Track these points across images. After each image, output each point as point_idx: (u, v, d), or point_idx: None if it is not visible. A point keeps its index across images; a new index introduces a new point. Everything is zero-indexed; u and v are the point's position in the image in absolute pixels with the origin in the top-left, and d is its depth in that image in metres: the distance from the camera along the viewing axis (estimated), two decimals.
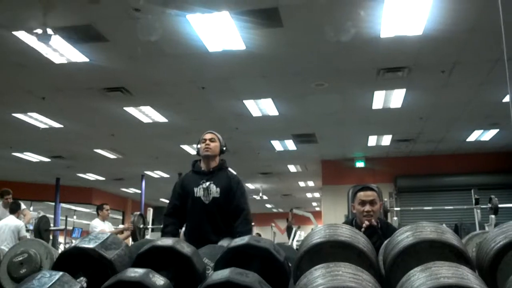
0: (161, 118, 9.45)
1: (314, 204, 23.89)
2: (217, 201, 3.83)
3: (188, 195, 3.88)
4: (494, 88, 7.59)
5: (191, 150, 11.79)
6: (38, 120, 9.44)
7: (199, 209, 3.82)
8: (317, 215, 16.30)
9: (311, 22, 5.63)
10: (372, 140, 11.76)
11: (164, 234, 3.83)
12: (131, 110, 8.90)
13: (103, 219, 8.09)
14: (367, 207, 3.16)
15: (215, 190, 3.84)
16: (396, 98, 8.38)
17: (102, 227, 7.73)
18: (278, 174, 16.48)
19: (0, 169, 14.13)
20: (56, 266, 1.92)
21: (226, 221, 3.86)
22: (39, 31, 5.16)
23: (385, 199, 8.81)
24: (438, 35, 5.84)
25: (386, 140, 11.69)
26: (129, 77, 7.37)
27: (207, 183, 3.85)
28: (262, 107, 8.88)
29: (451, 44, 6.17)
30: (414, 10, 5.31)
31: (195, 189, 3.85)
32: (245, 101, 8.54)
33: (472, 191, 8.89)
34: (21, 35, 5.79)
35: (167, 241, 1.97)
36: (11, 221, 7.44)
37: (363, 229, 2.99)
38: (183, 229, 4.07)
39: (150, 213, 8.80)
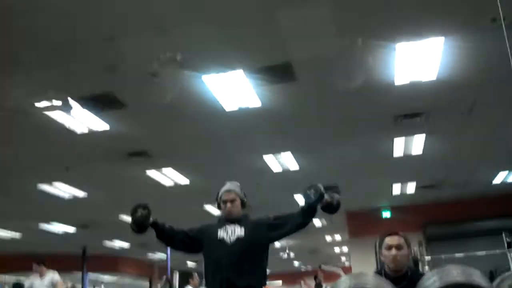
0: (182, 180, 9.51)
1: (343, 259, 23.39)
2: (242, 240, 3.57)
3: (209, 238, 3.67)
4: None
5: (214, 210, 11.73)
6: (62, 190, 9.58)
7: (222, 250, 3.56)
8: (347, 270, 15.90)
9: (324, 75, 5.69)
10: (396, 189, 11.61)
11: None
12: (153, 173, 8.99)
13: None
14: (393, 251, 3.09)
15: (239, 230, 3.63)
16: (416, 144, 8.33)
17: None
18: (303, 229, 16.20)
19: (27, 241, 14.22)
20: None
21: (252, 262, 3.57)
22: (60, 102, 5.31)
23: (415, 248, 8.58)
24: (452, 78, 5.85)
25: (411, 187, 11.52)
26: (150, 141, 7.49)
27: (232, 225, 3.68)
28: (282, 161, 8.89)
29: (467, 86, 6.16)
30: (426, 57, 5.36)
31: (218, 231, 3.66)
32: (265, 157, 8.57)
33: (503, 234, 8.64)
34: (43, 107, 5.96)
35: None
36: None
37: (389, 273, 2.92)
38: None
39: (176, 276, 8.73)
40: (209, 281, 3.64)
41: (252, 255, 3.59)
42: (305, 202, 3.64)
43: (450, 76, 5.76)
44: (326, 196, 3.58)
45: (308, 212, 3.67)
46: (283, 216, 3.79)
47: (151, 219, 3.77)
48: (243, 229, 3.64)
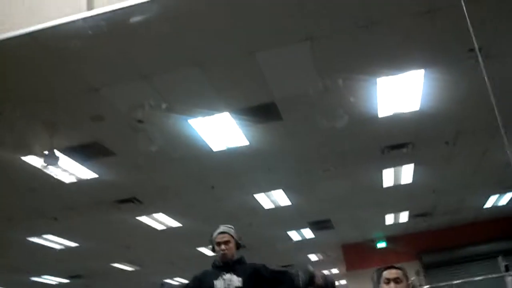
0: (174, 223, 9.44)
1: None
2: None
3: None
4: (500, 152, 7.57)
5: (207, 251, 11.63)
6: (53, 241, 9.45)
7: None
8: None
9: (308, 112, 5.76)
10: (389, 219, 11.60)
11: None
12: (143, 219, 8.93)
13: None
14: (392, 285, 3.08)
15: (236, 280, 3.58)
16: (405, 173, 8.37)
17: None
18: (299, 265, 16.06)
19: None
20: None
21: None
22: (46, 153, 5.31)
23: (412, 278, 8.53)
24: (434, 109, 5.94)
25: (404, 217, 11.53)
26: (139, 187, 7.46)
27: (227, 275, 3.61)
28: (273, 199, 8.88)
29: (449, 116, 6.26)
30: (407, 89, 5.46)
31: (215, 282, 3.60)
32: (255, 195, 8.56)
33: (499, 258, 8.63)
34: (30, 159, 5.96)
35: None
36: None
37: None
38: None
39: None
40: None
41: None
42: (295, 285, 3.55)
43: (432, 107, 5.86)
44: (316, 279, 3.50)
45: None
46: (281, 272, 3.73)
47: None
48: (240, 280, 3.59)
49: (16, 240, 9.13)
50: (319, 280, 3.52)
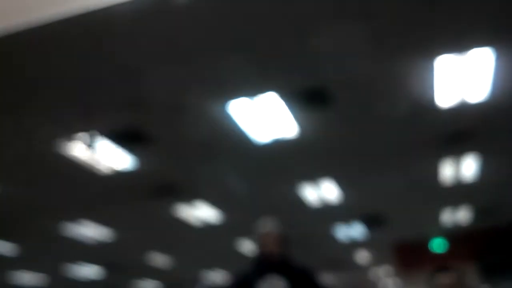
0: (213, 217, 9.50)
1: None
2: None
3: None
4: None
5: (246, 250, 11.71)
6: (87, 230, 9.68)
7: None
8: None
9: (363, 98, 5.63)
10: (447, 217, 11.37)
11: None
12: (181, 210, 9.01)
13: None
14: (449, 281, 3.01)
15: (282, 283, 3.57)
16: (466, 168, 8.15)
17: None
18: (348, 266, 16.01)
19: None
20: None
21: None
22: (84, 139, 5.41)
23: (470, 281, 8.37)
24: (503, 100, 5.72)
25: (463, 215, 11.27)
26: (178, 177, 7.52)
27: (273, 277, 3.58)
28: (321, 192, 8.80)
29: None
30: (472, 77, 5.25)
31: (259, 285, 3.59)
32: (302, 189, 8.50)
33: None
34: (67, 146, 6.06)
35: None
36: None
37: None
38: None
39: None
40: None
41: None
42: None
43: (500, 97, 5.62)
44: None
45: None
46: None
47: None
48: (286, 283, 3.56)
49: (51, 229, 9.38)
50: None
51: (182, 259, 12.92)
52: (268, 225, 3.84)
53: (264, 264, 3.68)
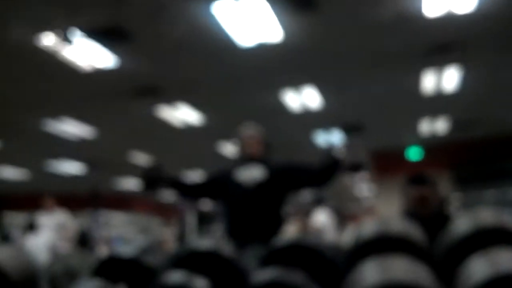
0: (195, 118, 9.57)
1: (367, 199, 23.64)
2: (263, 187, 3.54)
3: (226, 181, 3.64)
4: None
5: (228, 152, 11.91)
6: (69, 127, 9.75)
7: (241, 196, 3.55)
8: (370, 211, 16.09)
9: (349, 4, 5.58)
10: (425, 127, 11.54)
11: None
12: (164, 111, 9.06)
13: None
14: (421, 191, 3.17)
15: (260, 174, 3.58)
16: (448, 80, 8.20)
17: None
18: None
19: (35, 182, 14.71)
20: (95, 274, 1.99)
21: (273, 213, 3.58)
22: (64, 34, 5.33)
23: (443, 190, 8.66)
24: (491, 11, 5.68)
25: (441, 126, 11.44)
26: (160, 77, 7.50)
27: (250, 165, 3.64)
28: (303, 99, 8.86)
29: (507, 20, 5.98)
30: None
31: (236, 172, 3.64)
32: (284, 94, 8.55)
33: None
34: (45, 40, 5.96)
35: (207, 244, 2.01)
36: None
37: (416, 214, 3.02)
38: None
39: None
40: (227, 225, 3.63)
41: (272, 199, 3.58)
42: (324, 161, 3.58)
43: (490, 8, 5.58)
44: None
45: (326, 172, 3.59)
46: (305, 164, 3.74)
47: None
48: (264, 173, 3.59)
49: (33, 124, 9.43)
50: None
51: (162, 158, 13.11)
52: (250, 129, 3.90)
53: (245, 159, 3.76)
